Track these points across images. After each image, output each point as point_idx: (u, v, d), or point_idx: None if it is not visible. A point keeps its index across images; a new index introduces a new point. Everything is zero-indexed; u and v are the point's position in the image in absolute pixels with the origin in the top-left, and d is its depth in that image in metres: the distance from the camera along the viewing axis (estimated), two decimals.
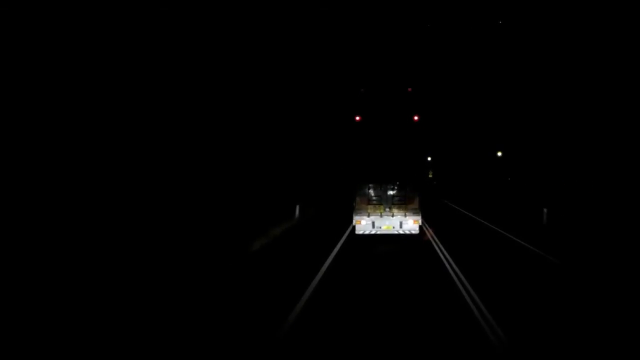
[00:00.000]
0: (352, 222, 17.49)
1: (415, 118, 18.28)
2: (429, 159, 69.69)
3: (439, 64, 43.67)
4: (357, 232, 17.30)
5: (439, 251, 14.87)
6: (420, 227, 17.43)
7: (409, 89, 20.27)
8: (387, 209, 17.24)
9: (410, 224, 17.05)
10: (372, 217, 17.15)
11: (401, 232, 17.09)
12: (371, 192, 17.44)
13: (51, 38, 12.90)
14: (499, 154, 43.61)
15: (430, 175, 65.55)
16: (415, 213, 17.13)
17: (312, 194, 27.99)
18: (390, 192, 17.35)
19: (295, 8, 26.66)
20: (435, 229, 19.31)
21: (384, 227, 17.14)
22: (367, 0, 35.62)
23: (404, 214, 17.12)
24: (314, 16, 28.70)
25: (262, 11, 23.89)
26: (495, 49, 36.02)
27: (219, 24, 20.47)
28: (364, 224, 17.16)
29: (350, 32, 33.98)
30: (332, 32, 31.83)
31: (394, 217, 17.11)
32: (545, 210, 21.51)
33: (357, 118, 18.30)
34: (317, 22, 29.52)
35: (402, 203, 17.25)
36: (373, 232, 17.18)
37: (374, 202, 17.36)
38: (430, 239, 17.33)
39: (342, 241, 17.10)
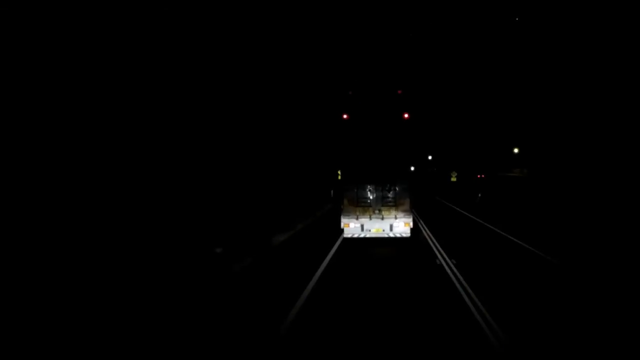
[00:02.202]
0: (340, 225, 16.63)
1: (406, 116, 17.49)
2: (430, 157, 68.22)
3: (441, 64, 43.34)
4: (345, 236, 16.55)
5: None
6: (412, 230, 16.61)
7: (399, 92, 19.52)
8: (377, 211, 16.38)
9: (401, 226, 16.23)
10: (361, 220, 16.32)
11: (391, 235, 16.29)
12: (360, 193, 16.57)
13: (51, 37, 12.28)
14: (516, 150, 41.83)
15: (453, 179, 49.37)
16: (406, 215, 16.31)
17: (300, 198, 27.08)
18: (380, 193, 16.49)
19: (279, 15, 26.27)
20: None
21: (373, 230, 16.32)
22: (356, 5, 35.33)
23: (394, 216, 16.29)
24: (298, 21, 28.22)
25: (255, 15, 23.47)
26: (494, 47, 35.70)
27: (211, 27, 19.92)
28: (352, 227, 16.35)
29: (337, 37, 33.55)
30: (319, 36, 31.35)
31: (384, 220, 16.27)
32: None
33: (345, 116, 17.47)
34: (303, 26, 29.01)
35: (393, 205, 16.41)
36: (362, 235, 16.38)
37: (363, 204, 16.50)
38: None
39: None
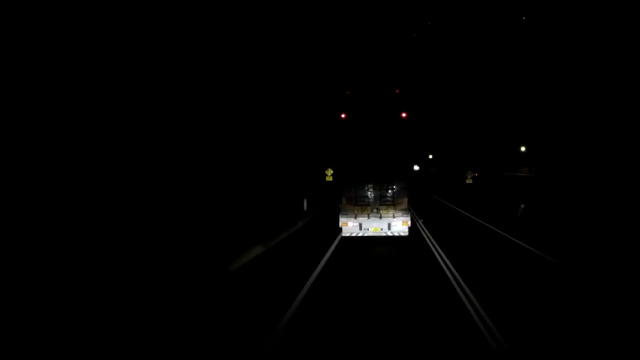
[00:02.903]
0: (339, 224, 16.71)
1: (404, 115, 17.57)
2: (430, 156, 68.12)
3: (442, 62, 43.18)
4: (343, 234, 16.67)
5: None
6: (410, 229, 16.70)
7: (397, 90, 19.59)
8: (375, 210, 16.48)
9: (399, 225, 16.35)
10: (360, 219, 16.43)
11: (389, 234, 16.41)
12: (358, 192, 16.65)
13: (51, 37, 12.31)
14: (523, 148, 40.34)
15: (469, 180, 40.68)
16: (404, 214, 16.41)
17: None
18: (378, 193, 16.59)
19: (277, 12, 26.29)
20: None
21: (371, 229, 16.44)
22: (353, 4, 35.38)
23: (392, 215, 16.39)
24: (296, 19, 28.24)
25: (254, 13, 23.49)
26: (499, 45, 35.57)
27: (211, 27, 19.91)
28: (351, 226, 16.46)
29: (334, 36, 33.59)
30: (316, 35, 31.40)
31: (382, 219, 16.39)
32: None
33: (343, 115, 17.56)
34: (301, 25, 29.06)
35: (391, 204, 16.51)
36: (360, 234, 16.51)
37: (361, 202, 16.58)
38: None
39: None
